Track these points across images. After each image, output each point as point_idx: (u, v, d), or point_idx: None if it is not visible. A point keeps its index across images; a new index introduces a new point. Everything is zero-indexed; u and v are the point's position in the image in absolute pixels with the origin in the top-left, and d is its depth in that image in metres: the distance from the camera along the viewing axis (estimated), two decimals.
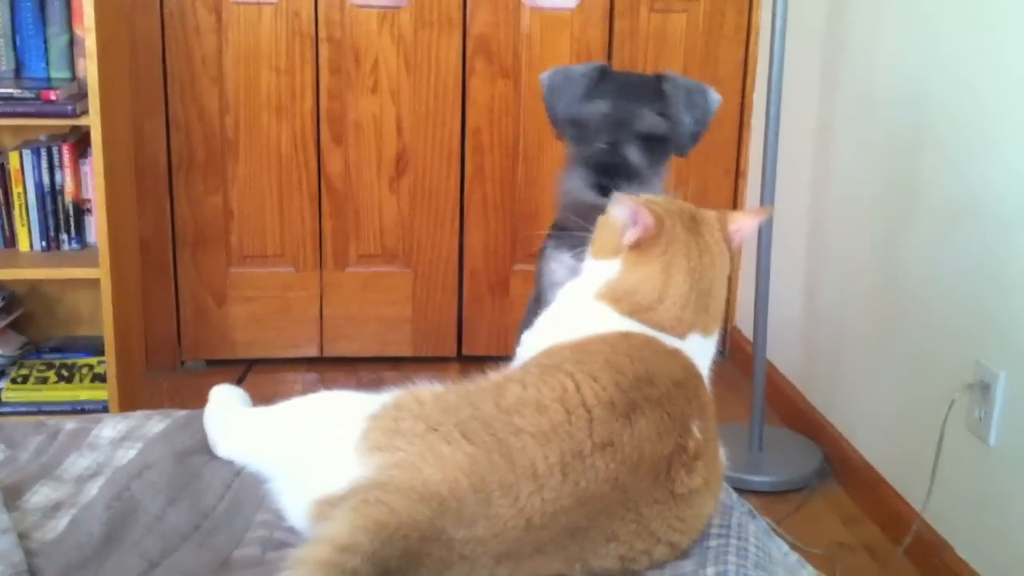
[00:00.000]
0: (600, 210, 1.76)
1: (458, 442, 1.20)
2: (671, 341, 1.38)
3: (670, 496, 1.26)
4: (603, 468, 1.21)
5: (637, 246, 1.40)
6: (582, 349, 1.34)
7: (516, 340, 1.92)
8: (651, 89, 1.94)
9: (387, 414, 1.26)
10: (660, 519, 1.26)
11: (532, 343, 1.45)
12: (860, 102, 2.60)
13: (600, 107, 1.89)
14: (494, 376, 1.33)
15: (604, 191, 1.78)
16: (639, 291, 1.39)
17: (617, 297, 1.40)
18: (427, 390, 1.30)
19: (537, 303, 1.96)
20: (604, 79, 1.95)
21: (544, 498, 1.19)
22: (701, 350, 1.41)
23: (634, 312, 1.38)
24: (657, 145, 1.90)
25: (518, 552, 1.19)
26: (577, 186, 1.83)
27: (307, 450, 1.30)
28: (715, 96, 2.01)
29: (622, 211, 1.42)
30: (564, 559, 1.22)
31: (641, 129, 1.88)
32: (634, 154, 1.87)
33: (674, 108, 1.93)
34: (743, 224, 1.47)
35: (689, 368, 1.36)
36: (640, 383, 1.28)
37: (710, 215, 1.46)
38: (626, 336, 1.36)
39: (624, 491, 1.22)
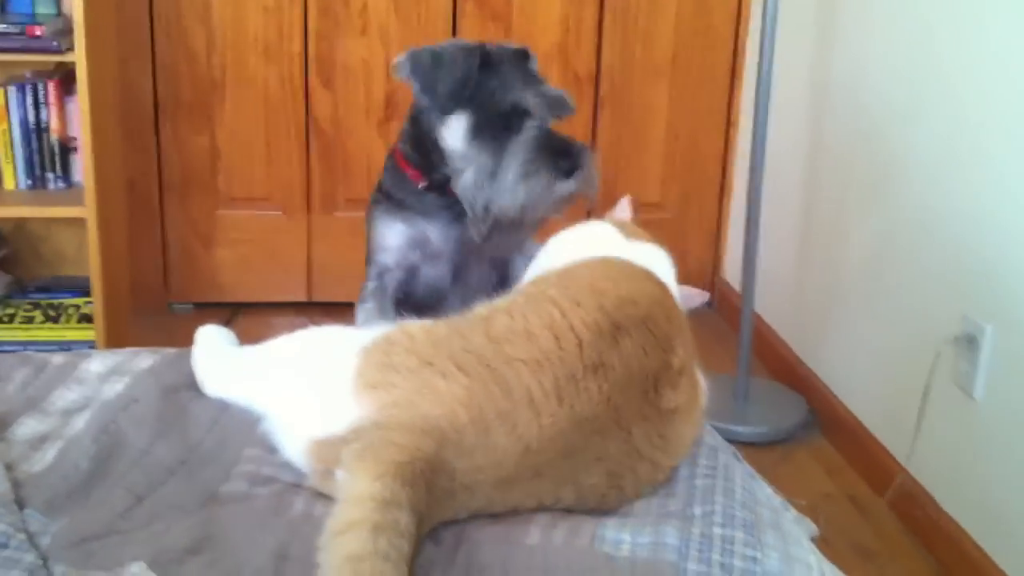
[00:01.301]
0: (563, 200, 1.77)
1: (453, 375, 1.21)
2: (641, 259, 1.44)
3: (656, 412, 1.29)
4: (595, 389, 1.23)
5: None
6: (567, 274, 1.39)
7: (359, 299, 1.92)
8: (526, 68, 1.83)
9: (378, 348, 1.26)
10: (645, 437, 1.28)
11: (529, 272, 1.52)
12: (853, 53, 2.58)
13: (529, 96, 1.76)
14: (480, 309, 1.34)
15: (570, 173, 1.74)
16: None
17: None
18: (416, 324, 1.30)
19: (367, 264, 1.93)
20: (491, 58, 1.78)
21: (541, 424, 1.20)
22: (665, 263, 1.49)
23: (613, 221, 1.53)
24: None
25: (516, 476, 1.21)
26: (542, 181, 1.72)
27: (300, 388, 1.29)
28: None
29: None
30: (557, 480, 1.23)
31: (570, 110, 1.81)
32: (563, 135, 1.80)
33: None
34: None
35: (666, 292, 1.41)
36: (623, 303, 1.31)
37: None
38: (605, 261, 1.42)
39: (616, 410, 1.25)
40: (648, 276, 1.41)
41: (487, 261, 1.92)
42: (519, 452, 1.19)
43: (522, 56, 1.84)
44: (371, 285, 1.91)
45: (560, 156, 1.73)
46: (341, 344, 1.30)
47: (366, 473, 1.12)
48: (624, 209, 1.61)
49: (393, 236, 1.89)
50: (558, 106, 1.79)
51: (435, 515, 1.18)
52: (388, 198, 1.90)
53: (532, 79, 1.81)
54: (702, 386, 1.42)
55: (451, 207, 1.82)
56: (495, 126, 1.76)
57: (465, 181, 1.75)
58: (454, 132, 1.77)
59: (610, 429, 1.25)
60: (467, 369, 1.21)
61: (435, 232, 1.87)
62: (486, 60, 1.78)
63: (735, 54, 3.22)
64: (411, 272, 1.91)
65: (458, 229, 1.84)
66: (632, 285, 1.36)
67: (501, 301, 1.35)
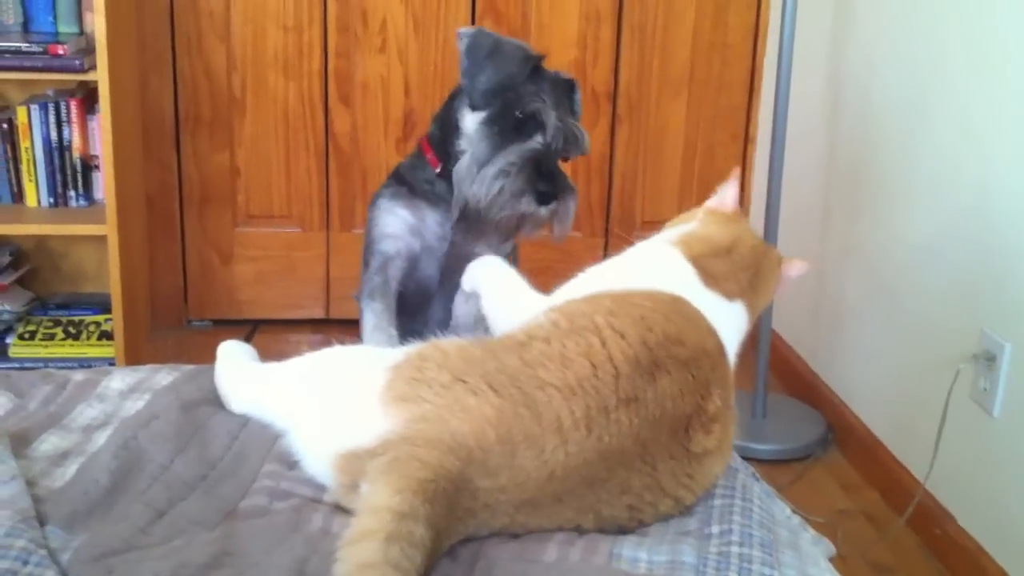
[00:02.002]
0: (528, 218, 1.76)
1: (485, 393, 1.20)
2: (713, 312, 1.38)
3: (685, 453, 1.27)
4: (626, 423, 1.22)
5: (712, 211, 1.51)
6: (623, 299, 1.34)
7: (360, 296, 1.91)
8: (568, 99, 1.85)
9: (410, 363, 1.26)
10: (672, 475, 1.27)
11: (581, 286, 1.44)
12: (868, 69, 2.58)
13: (550, 110, 1.77)
14: (517, 334, 1.32)
15: (543, 200, 1.74)
16: (712, 238, 1.46)
17: (690, 241, 1.45)
18: (450, 342, 1.29)
19: (368, 256, 1.92)
20: (538, 71, 1.81)
21: (568, 451, 1.19)
22: (737, 324, 1.43)
23: (700, 256, 1.42)
24: (567, 159, 1.85)
25: (538, 501, 1.21)
26: (517, 190, 1.73)
27: (329, 401, 1.29)
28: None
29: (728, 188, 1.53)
30: (579, 508, 1.23)
31: (583, 150, 1.83)
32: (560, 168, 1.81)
33: (577, 118, 1.88)
34: (794, 268, 1.55)
35: (719, 347, 1.36)
36: (669, 342, 1.28)
37: (772, 250, 1.55)
38: (674, 299, 1.36)
39: (644, 446, 1.24)
40: (705, 327, 1.36)
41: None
42: (543, 477, 1.19)
43: (569, 86, 1.86)
44: (375, 280, 1.89)
45: (544, 180, 1.73)
46: (371, 360, 1.30)
47: (388, 486, 1.12)
48: (730, 191, 1.54)
49: (397, 223, 1.88)
50: (572, 140, 1.80)
51: (454, 533, 1.18)
52: (398, 182, 1.91)
53: (565, 105, 1.82)
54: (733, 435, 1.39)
55: (446, 195, 1.83)
56: (508, 125, 1.77)
57: (460, 162, 1.77)
58: (474, 119, 1.79)
59: (636, 464, 1.24)
60: (499, 389, 1.21)
61: (432, 222, 1.87)
62: (536, 72, 1.79)
63: (752, 70, 3.23)
64: (412, 263, 1.89)
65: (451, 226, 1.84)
66: (685, 327, 1.32)
67: (540, 323, 1.32)
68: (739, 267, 1.44)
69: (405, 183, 1.89)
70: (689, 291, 1.39)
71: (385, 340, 1.82)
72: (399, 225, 1.88)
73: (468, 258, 1.79)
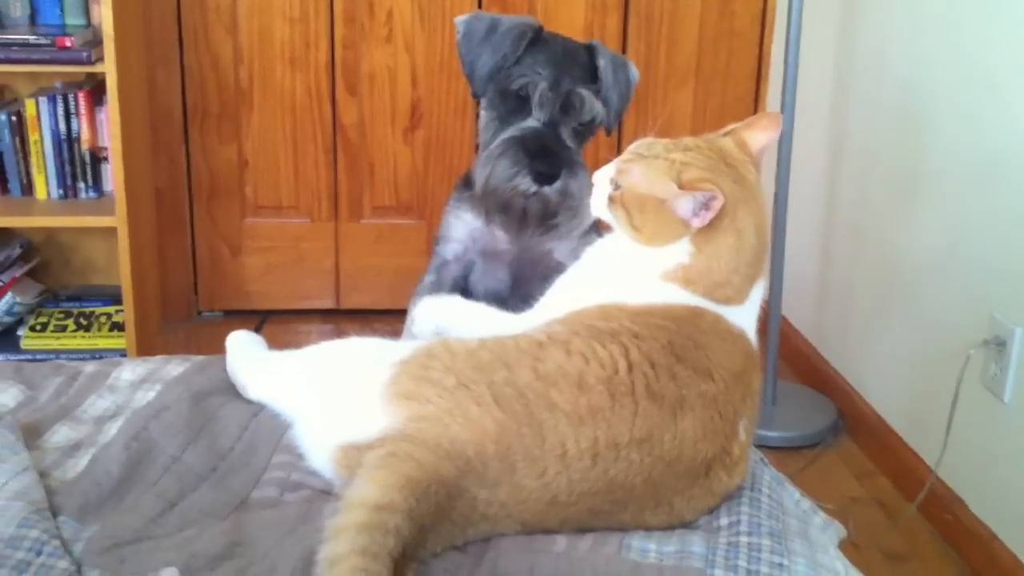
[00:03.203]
0: (532, 199, 1.69)
1: (488, 405, 1.16)
2: (736, 316, 1.30)
3: (707, 492, 1.25)
4: (637, 461, 1.18)
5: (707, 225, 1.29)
6: (645, 320, 1.25)
7: (414, 292, 1.86)
8: (585, 63, 1.78)
9: (417, 361, 1.23)
10: (690, 507, 1.25)
11: (576, 300, 1.33)
12: (876, 58, 2.58)
13: (540, 82, 1.71)
14: (536, 333, 1.26)
15: (542, 180, 1.68)
16: (714, 269, 1.28)
17: (690, 279, 1.28)
18: (460, 342, 1.25)
19: (432, 256, 1.89)
20: (537, 43, 1.75)
21: (571, 479, 1.16)
22: (757, 302, 1.33)
23: (708, 291, 1.28)
24: (589, 128, 1.79)
25: (542, 522, 1.18)
26: (509, 171, 1.68)
27: (332, 393, 1.28)
28: (635, 72, 1.88)
29: (687, 203, 1.25)
30: (585, 530, 1.21)
31: (584, 117, 1.75)
32: (571, 139, 1.75)
33: (606, 86, 1.80)
34: (761, 143, 1.36)
35: (750, 354, 1.30)
36: (698, 377, 1.22)
37: (731, 147, 1.34)
38: (696, 315, 1.27)
39: (655, 486, 1.20)
40: (734, 342, 1.28)
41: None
42: (546, 499, 1.17)
43: (587, 51, 1.78)
44: (429, 279, 1.86)
45: (540, 158, 1.68)
46: (378, 354, 1.28)
47: (376, 481, 1.11)
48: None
49: (459, 226, 1.84)
50: (571, 110, 1.73)
51: (450, 536, 1.17)
52: (467, 183, 1.85)
53: (576, 74, 1.73)
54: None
55: None
56: (508, 107, 1.73)
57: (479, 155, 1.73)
58: (482, 108, 1.77)
59: (648, 504, 1.21)
60: (503, 404, 1.17)
61: (500, 231, 1.81)
62: (537, 44, 1.73)
63: (760, 58, 3.22)
64: (469, 269, 1.85)
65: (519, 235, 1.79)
66: (714, 351, 1.24)
67: (561, 328, 1.26)
68: (749, 267, 1.30)
69: (471, 186, 1.82)
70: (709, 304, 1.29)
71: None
72: (461, 229, 1.84)
73: (540, 261, 1.75)
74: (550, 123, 1.72)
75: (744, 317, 1.32)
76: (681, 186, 1.24)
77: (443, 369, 1.20)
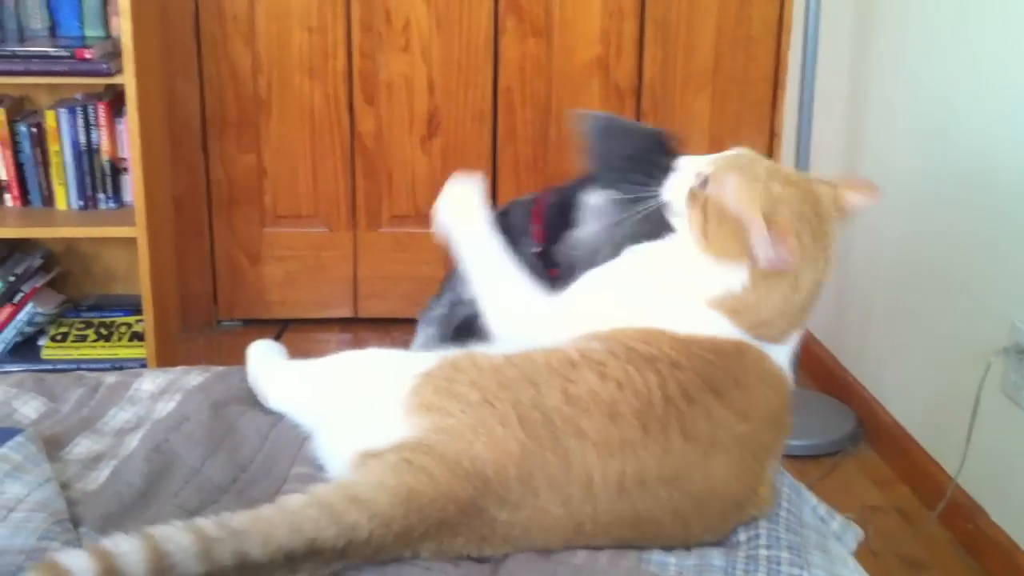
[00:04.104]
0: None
1: (513, 427, 1.14)
2: (776, 354, 1.28)
3: (734, 524, 1.25)
4: (665, 497, 1.16)
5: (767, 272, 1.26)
6: (687, 352, 1.21)
7: (421, 315, 1.83)
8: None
9: (441, 373, 1.21)
10: (716, 536, 1.24)
11: (614, 316, 1.30)
12: (893, 63, 2.57)
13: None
14: (569, 350, 1.22)
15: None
16: (763, 308, 1.26)
17: (736, 310, 1.26)
18: (486, 356, 1.23)
19: (444, 286, 1.83)
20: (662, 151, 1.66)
21: (598, 509, 1.15)
22: (795, 339, 1.33)
23: (751, 328, 1.26)
24: None
25: (565, 546, 1.17)
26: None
27: (353, 401, 1.28)
28: None
29: (765, 246, 1.21)
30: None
31: None
32: None
33: None
34: (856, 206, 1.34)
35: (785, 395, 1.28)
36: (735, 418, 1.20)
37: (827, 200, 1.31)
38: (740, 351, 1.25)
39: (685, 522, 1.19)
40: (779, 383, 1.27)
41: None
42: (572, 528, 1.15)
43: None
44: (439, 312, 1.82)
45: None
46: (399, 364, 1.27)
47: (372, 473, 1.11)
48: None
49: None
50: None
51: (462, 550, 1.16)
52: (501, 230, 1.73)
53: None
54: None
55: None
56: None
57: None
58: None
59: (677, 537, 1.19)
60: (528, 427, 1.14)
61: None
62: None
63: (777, 64, 3.21)
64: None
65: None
66: (752, 391, 1.22)
67: (596, 348, 1.22)
68: (797, 315, 1.29)
69: (504, 237, 1.71)
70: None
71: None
72: None
73: None
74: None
75: (783, 355, 1.31)
76: (769, 225, 1.21)
77: (468, 383, 1.18)
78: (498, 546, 1.17)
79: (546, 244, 1.65)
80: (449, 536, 1.14)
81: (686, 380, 1.19)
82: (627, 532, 1.17)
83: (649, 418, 1.16)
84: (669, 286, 1.31)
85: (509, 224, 1.70)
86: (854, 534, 1.44)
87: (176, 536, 1.03)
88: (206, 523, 1.05)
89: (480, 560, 1.18)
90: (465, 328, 1.74)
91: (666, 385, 1.18)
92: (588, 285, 1.37)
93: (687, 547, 1.22)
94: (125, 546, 1.01)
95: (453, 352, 1.27)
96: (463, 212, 1.49)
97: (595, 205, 1.59)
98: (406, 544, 1.12)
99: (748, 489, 1.23)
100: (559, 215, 1.65)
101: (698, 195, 1.29)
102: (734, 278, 1.26)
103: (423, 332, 1.83)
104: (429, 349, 1.69)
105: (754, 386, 1.23)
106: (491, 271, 1.44)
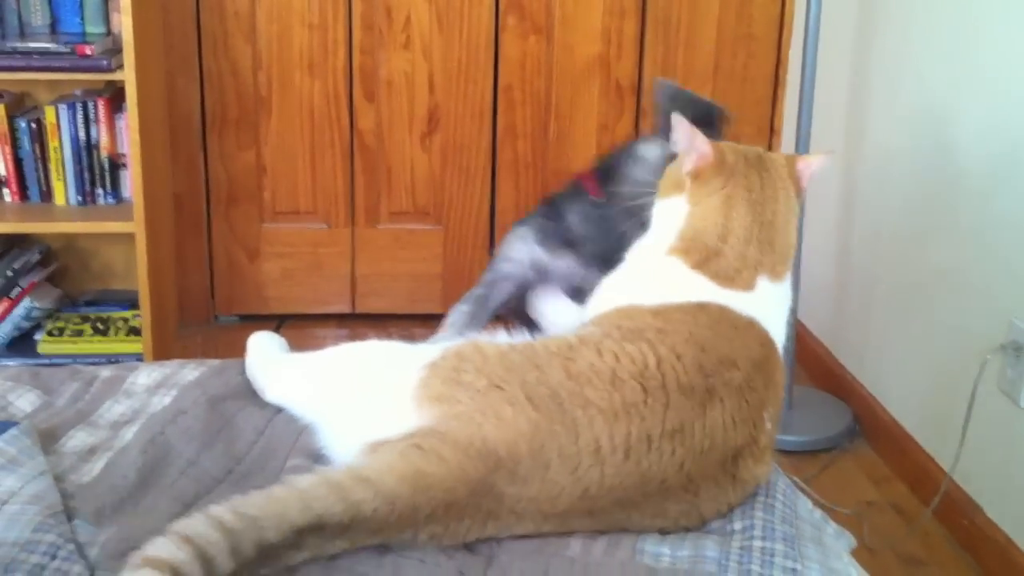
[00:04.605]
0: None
1: (522, 405, 1.18)
2: (743, 304, 1.33)
3: (731, 481, 1.26)
4: (669, 452, 1.20)
5: (698, 177, 1.39)
6: (665, 317, 1.30)
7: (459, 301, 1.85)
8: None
9: (448, 363, 1.24)
10: (713, 501, 1.25)
11: (601, 302, 1.41)
12: (894, 61, 2.57)
13: None
14: (568, 336, 1.28)
15: None
16: (704, 231, 1.37)
17: (686, 246, 1.37)
18: (490, 344, 1.27)
19: (486, 271, 1.89)
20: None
21: (604, 472, 1.18)
22: (773, 302, 1.37)
23: (702, 263, 1.36)
24: None
25: (568, 513, 1.19)
26: None
27: (361, 392, 1.29)
28: None
29: (682, 136, 1.41)
30: (608, 523, 1.22)
31: None
32: None
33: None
34: (811, 163, 1.46)
35: (766, 342, 1.33)
36: (723, 366, 1.25)
37: (777, 156, 1.45)
38: (702, 308, 1.32)
39: (688, 476, 1.21)
40: (754, 333, 1.32)
41: None
42: (577, 493, 1.18)
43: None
44: (478, 291, 1.85)
45: None
46: (403, 356, 1.29)
47: (381, 457, 1.13)
48: (696, 142, 1.40)
49: (524, 250, 1.82)
50: None
51: (468, 533, 1.17)
52: (546, 215, 1.84)
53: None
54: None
55: (596, 236, 1.78)
56: None
57: None
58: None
59: (676, 492, 1.22)
60: (537, 403, 1.18)
61: (564, 264, 1.81)
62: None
63: (777, 61, 3.21)
64: (523, 290, 1.84)
65: (584, 270, 1.78)
66: (735, 342, 1.28)
67: (591, 332, 1.29)
68: (744, 244, 1.36)
69: (554, 218, 1.82)
70: (708, 298, 1.34)
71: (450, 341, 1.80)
72: (525, 253, 1.82)
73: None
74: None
75: (754, 306, 1.34)
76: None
77: (475, 371, 1.22)
78: (503, 520, 1.18)
79: (604, 195, 1.78)
80: (455, 519, 1.15)
81: (671, 341, 1.25)
82: (631, 492, 1.20)
83: (647, 378, 1.21)
84: (641, 259, 1.43)
85: (556, 196, 1.86)
86: (847, 542, 1.45)
87: (207, 533, 1.03)
88: (223, 513, 1.06)
89: (472, 550, 1.18)
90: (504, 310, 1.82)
91: (656, 348, 1.24)
92: (597, 290, 1.46)
93: (685, 507, 1.24)
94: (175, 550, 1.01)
95: (456, 343, 1.29)
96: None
97: (651, 156, 1.76)
98: (409, 525, 1.13)
99: (746, 437, 1.25)
100: (607, 174, 1.81)
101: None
102: (678, 211, 1.40)
103: (457, 309, 1.84)
104: (458, 327, 1.71)
105: (728, 335, 1.29)
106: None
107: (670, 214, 1.41)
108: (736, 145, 1.45)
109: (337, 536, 1.10)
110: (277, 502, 1.08)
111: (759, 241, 1.36)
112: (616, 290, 1.42)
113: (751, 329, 1.32)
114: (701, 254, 1.36)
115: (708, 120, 1.73)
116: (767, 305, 1.36)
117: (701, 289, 1.35)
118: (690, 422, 1.20)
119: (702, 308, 1.32)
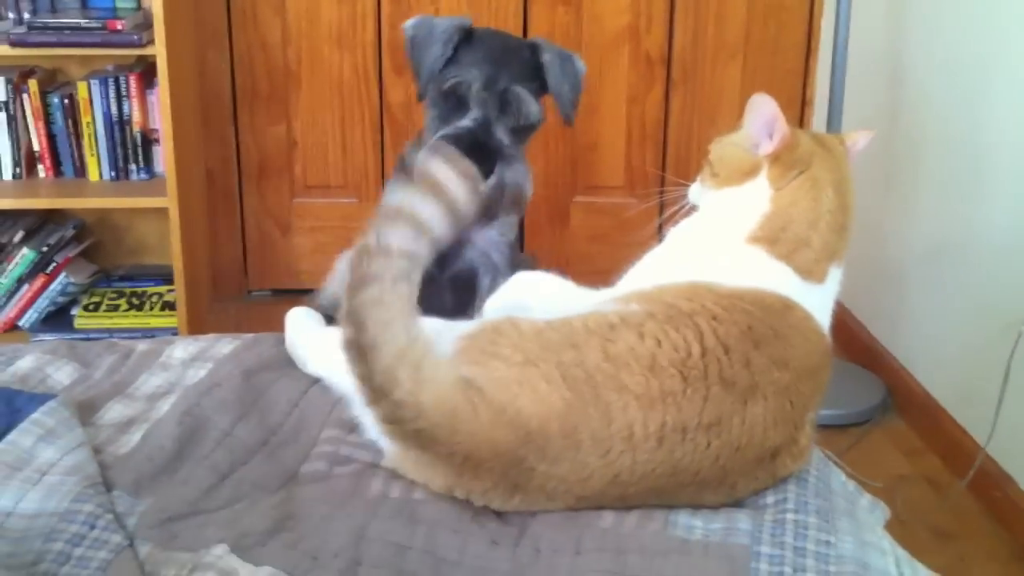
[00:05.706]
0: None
1: (557, 383, 1.16)
2: (814, 300, 1.31)
3: (769, 476, 1.25)
4: (704, 445, 1.18)
5: (777, 160, 1.35)
6: (731, 303, 1.24)
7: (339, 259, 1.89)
8: (527, 60, 1.80)
9: (484, 336, 1.24)
10: (751, 492, 1.25)
11: (646, 277, 1.35)
12: (928, 29, 2.54)
13: (472, 81, 1.73)
14: (607, 313, 1.24)
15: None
16: (793, 220, 1.32)
17: (774, 236, 1.32)
18: (527, 320, 1.25)
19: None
20: (471, 41, 1.78)
21: (636, 459, 1.17)
22: (833, 289, 1.36)
23: (790, 254, 1.31)
24: (528, 125, 1.80)
25: (600, 496, 1.19)
26: None
27: None
28: (581, 65, 1.89)
29: (759, 116, 1.35)
30: (641, 507, 1.21)
31: (522, 115, 1.76)
32: (507, 135, 1.76)
33: (555, 80, 1.82)
34: (857, 140, 1.46)
35: (825, 354, 1.30)
36: (773, 365, 1.21)
37: (830, 136, 1.43)
38: (786, 307, 1.27)
39: (723, 470, 1.20)
40: (814, 337, 1.29)
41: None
42: (608, 478, 1.17)
43: (527, 48, 1.82)
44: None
45: (471, 155, 1.69)
46: (439, 328, 1.28)
47: (438, 373, 1.14)
48: (775, 124, 1.36)
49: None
50: (509, 109, 1.75)
51: (493, 499, 1.18)
52: (401, 168, 1.91)
53: (514, 71, 1.76)
54: None
55: None
56: (448, 107, 1.77)
57: None
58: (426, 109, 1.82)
59: (711, 484, 1.21)
60: (572, 384, 1.16)
61: None
62: (470, 44, 1.77)
63: (809, 32, 3.18)
64: None
65: None
66: (793, 343, 1.24)
67: (639, 304, 1.25)
68: (829, 232, 1.34)
69: (405, 171, 1.86)
70: (790, 292, 1.30)
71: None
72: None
73: (461, 244, 1.80)
74: (485, 121, 1.74)
75: (821, 299, 1.32)
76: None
77: (511, 346, 1.20)
78: (532, 496, 1.18)
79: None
80: (470, 476, 1.16)
81: (724, 331, 1.21)
82: (664, 481, 1.19)
83: (688, 368, 1.18)
84: (709, 236, 1.37)
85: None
86: (882, 512, 1.44)
87: None
88: None
89: (506, 522, 1.19)
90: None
91: (703, 337, 1.20)
92: (639, 267, 1.41)
93: (723, 498, 1.23)
94: None
95: (493, 318, 1.29)
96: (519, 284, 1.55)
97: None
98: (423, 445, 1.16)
99: (786, 437, 1.23)
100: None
101: (704, 173, 1.46)
102: (760, 197, 1.34)
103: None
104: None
105: (793, 339, 1.25)
106: (547, 291, 1.49)
107: (744, 200, 1.35)
108: (795, 128, 1.40)
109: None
110: None
111: (839, 227, 1.36)
112: (669, 268, 1.37)
113: (820, 341, 1.30)
114: (789, 246, 1.32)
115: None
116: (829, 295, 1.35)
117: (781, 281, 1.31)
118: (728, 416, 1.18)
119: (788, 308, 1.28)
